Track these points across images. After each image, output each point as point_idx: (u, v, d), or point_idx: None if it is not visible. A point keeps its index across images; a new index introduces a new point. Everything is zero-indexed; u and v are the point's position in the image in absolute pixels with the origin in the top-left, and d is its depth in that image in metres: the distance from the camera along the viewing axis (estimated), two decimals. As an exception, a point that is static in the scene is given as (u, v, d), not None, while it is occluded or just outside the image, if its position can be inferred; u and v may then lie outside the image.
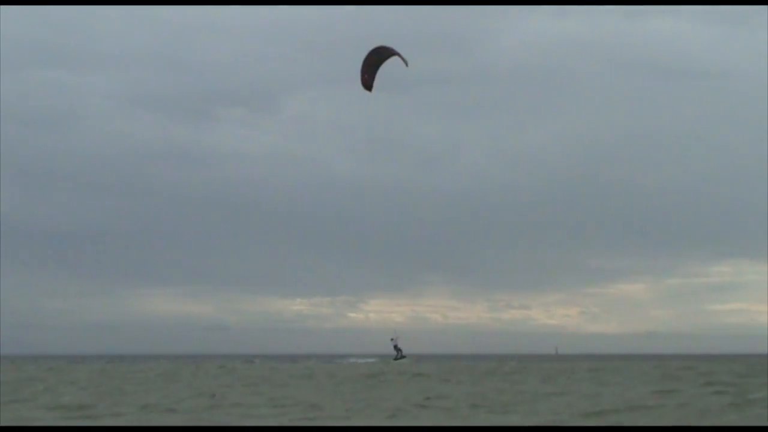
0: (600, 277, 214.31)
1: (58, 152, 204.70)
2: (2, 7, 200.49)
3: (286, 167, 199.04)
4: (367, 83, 19.79)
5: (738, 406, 21.06)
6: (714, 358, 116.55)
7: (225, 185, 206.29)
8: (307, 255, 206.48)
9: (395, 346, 14.88)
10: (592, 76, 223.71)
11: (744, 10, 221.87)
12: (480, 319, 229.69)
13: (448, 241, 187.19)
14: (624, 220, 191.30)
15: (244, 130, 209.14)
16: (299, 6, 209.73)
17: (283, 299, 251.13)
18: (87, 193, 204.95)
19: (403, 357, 15.27)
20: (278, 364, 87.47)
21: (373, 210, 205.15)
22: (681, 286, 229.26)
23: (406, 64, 19.15)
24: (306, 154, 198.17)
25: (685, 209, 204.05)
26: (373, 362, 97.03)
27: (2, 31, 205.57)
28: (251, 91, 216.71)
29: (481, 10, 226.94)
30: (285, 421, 20.49)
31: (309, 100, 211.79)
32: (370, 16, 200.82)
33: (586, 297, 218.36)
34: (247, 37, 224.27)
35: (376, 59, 19.54)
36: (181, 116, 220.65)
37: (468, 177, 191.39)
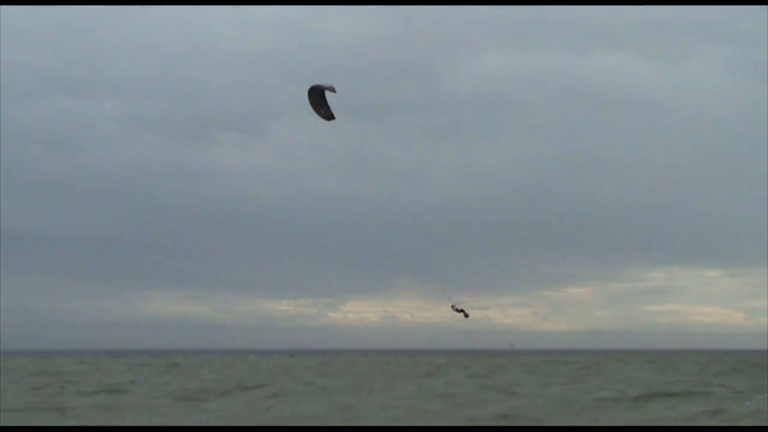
0: (550, 282, 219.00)
1: (72, 170, 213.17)
2: (21, 41, 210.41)
3: (274, 183, 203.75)
4: (326, 115, 19.09)
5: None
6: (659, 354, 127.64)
7: (220, 199, 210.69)
8: (293, 261, 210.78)
9: (459, 310, 20.62)
10: (544, 105, 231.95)
11: (683, 47, 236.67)
12: (444, 318, 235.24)
13: (416, 250, 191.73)
14: (572, 231, 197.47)
15: (236, 151, 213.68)
16: (285, 40, 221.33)
17: (271, 300, 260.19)
18: (97, 206, 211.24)
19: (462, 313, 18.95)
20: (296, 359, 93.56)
21: (350, 222, 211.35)
22: (621, 289, 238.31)
23: (334, 91, 18.63)
24: (291, 172, 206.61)
25: (625, 222, 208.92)
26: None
27: (22, 63, 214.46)
28: (243, 116, 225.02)
29: (447, 44, 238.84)
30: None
31: (293, 125, 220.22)
32: (348, 50, 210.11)
33: (538, 299, 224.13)
34: (239, 69, 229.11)
35: (317, 97, 19.05)
36: (181, 138, 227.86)
37: (434, 193, 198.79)
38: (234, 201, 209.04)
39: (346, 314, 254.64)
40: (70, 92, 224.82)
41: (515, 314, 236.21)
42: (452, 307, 21.37)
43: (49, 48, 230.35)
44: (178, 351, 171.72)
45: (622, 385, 38.10)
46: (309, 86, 18.72)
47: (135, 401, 31.21)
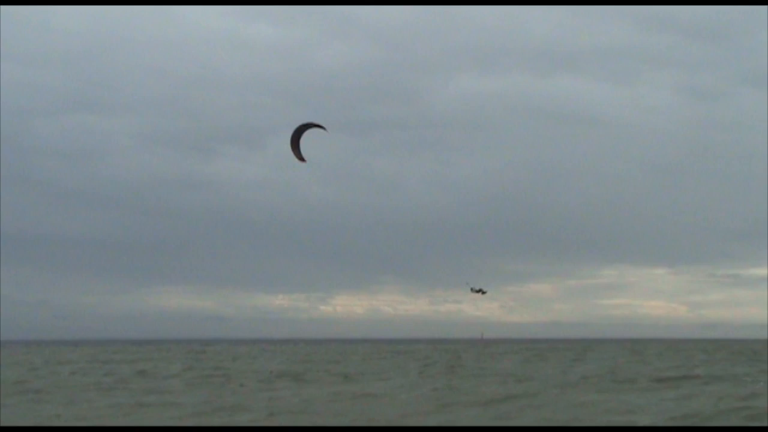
0: (515, 278, 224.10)
1: (92, 180, 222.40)
2: (43, 64, 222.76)
3: (271, 192, 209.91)
4: (299, 157, 19.53)
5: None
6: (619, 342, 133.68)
7: (222, 206, 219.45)
8: (288, 260, 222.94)
9: (478, 290, 20.86)
10: (510, 122, 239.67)
11: (633, 71, 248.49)
12: (423, 311, 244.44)
13: (397, 251, 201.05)
14: (534, 234, 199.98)
15: (237, 163, 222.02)
16: (280, 65, 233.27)
17: (268, 295, 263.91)
18: (114, 211, 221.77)
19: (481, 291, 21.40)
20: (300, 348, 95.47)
21: (339, 226, 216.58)
22: (578, 285, 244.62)
23: (325, 129, 18.29)
24: (286, 181, 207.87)
25: (582, 226, 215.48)
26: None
27: (48, 84, 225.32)
28: (243, 132, 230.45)
29: (426, 69, 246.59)
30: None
31: (287, 140, 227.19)
32: (337, 74, 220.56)
33: (505, 294, 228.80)
34: (240, 90, 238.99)
35: (294, 140, 19.25)
36: (188, 151, 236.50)
37: (413, 201, 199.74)
38: (235, 207, 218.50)
39: (335, 307, 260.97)
40: (91, 110, 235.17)
41: (485, 307, 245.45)
42: (471, 289, 22.14)
43: (72, 71, 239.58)
44: (184, 340, 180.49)
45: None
46: (297, 125, 19.02)
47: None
